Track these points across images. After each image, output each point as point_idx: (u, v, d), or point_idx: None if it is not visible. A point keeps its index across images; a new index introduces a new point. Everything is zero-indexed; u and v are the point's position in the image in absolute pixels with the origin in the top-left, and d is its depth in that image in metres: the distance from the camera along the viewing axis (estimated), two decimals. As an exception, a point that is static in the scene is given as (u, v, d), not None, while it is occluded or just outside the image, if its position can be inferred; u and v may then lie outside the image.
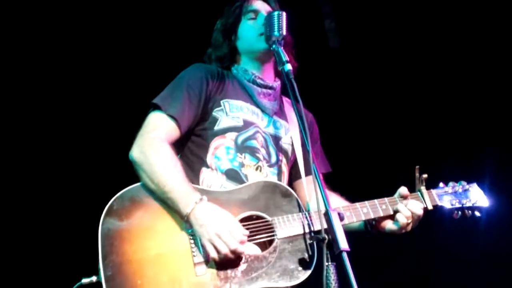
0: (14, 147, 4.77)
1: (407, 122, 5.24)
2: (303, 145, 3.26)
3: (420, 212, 3.09)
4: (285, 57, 2.96)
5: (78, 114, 4.87)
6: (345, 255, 2.56)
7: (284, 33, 3.02)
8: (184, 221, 2.82)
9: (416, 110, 5.23)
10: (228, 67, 3.34)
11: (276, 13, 3.04)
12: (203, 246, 2.78)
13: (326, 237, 2.65)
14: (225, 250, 2.75)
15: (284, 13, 3.04)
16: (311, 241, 2.86)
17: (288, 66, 2.93)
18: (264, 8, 3.32)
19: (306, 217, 2.93)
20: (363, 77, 5.35)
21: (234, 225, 2.80)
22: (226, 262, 2.79)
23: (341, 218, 2.68)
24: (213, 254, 2.76)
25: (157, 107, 3.04)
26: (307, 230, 2.90)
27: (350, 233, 3.02)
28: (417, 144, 5.03)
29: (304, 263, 2.85)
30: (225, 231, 2.75)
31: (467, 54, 5.15)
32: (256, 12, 3.30)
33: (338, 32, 5.28)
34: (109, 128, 4.72)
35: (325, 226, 2.65)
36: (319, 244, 2.73)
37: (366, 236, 3.19)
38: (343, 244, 2.58)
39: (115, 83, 4.89)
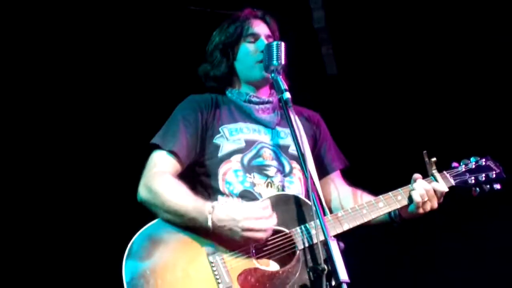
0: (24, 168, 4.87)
1: (406, 150, 5.20)
2: (312, 150, 3.35)
3: (428, 187, 3.06)
4: (283, 85, 3.03)
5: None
6: (345, 286, 2.57)
7: (283, 62, 3.10)
8: (211, 233, 2.87)
9: (415, 138, 5.20)
10: (223, 90, 3.40)
11: (275, 43, 3.13)
12: (242, 241, 2.85)
13: (326, 267, 2.67)
14: (261, 235, 2.84)
15: (282, 43, 3.13)
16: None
17: (287, 95, 3.00)
18: (263, 32, 3.37)
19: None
20: (360, 104, 5.34)
21: (253, 210, 2.86)
22: (253, 282, 2.82)
23: (340, 248, 2.70)
24: (256, 242, 2.86)
25: (156, 146, 3.14)
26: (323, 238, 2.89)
27: (377, 226, 3.15)
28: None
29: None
30: (250, 220, 2.83)
31: (464, 74, 5.17)
32: (256, 36, 3.36)
33: (336, 58, 5.28)
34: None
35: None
36: (318, 275, 2.73)
37: (393, 225, 3.19)
38: (343, 275, 2.59)
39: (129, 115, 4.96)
